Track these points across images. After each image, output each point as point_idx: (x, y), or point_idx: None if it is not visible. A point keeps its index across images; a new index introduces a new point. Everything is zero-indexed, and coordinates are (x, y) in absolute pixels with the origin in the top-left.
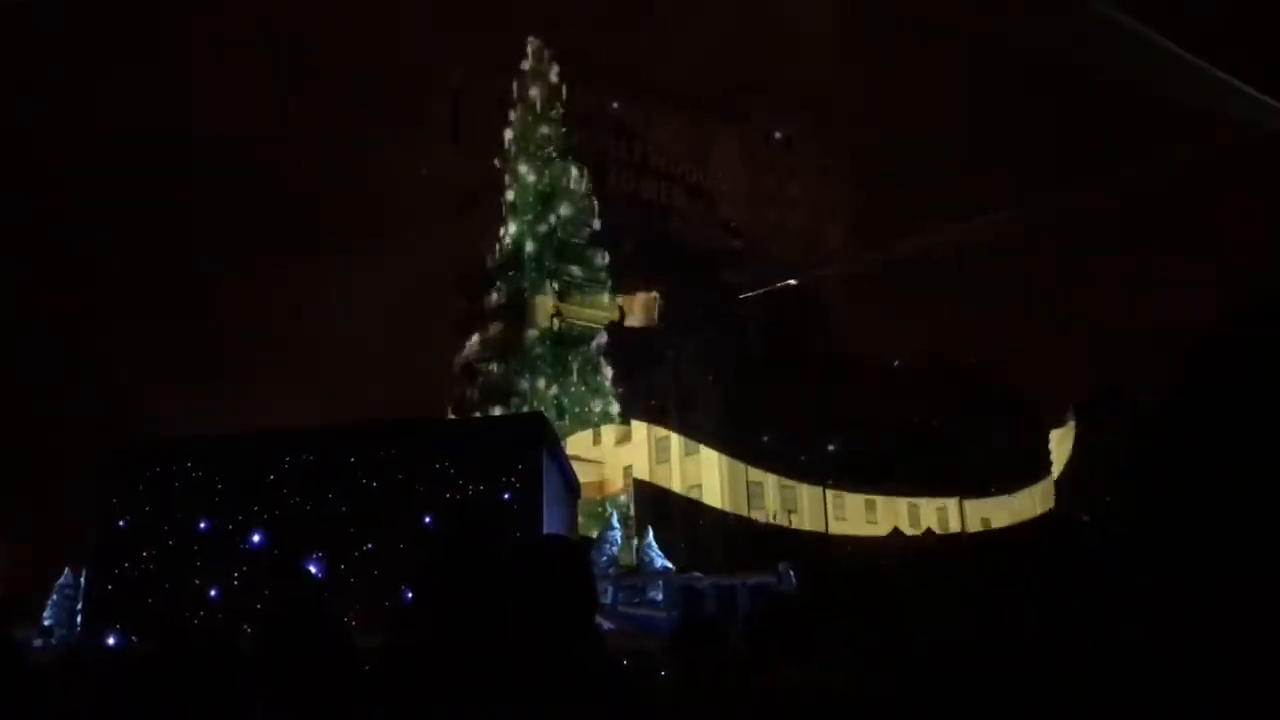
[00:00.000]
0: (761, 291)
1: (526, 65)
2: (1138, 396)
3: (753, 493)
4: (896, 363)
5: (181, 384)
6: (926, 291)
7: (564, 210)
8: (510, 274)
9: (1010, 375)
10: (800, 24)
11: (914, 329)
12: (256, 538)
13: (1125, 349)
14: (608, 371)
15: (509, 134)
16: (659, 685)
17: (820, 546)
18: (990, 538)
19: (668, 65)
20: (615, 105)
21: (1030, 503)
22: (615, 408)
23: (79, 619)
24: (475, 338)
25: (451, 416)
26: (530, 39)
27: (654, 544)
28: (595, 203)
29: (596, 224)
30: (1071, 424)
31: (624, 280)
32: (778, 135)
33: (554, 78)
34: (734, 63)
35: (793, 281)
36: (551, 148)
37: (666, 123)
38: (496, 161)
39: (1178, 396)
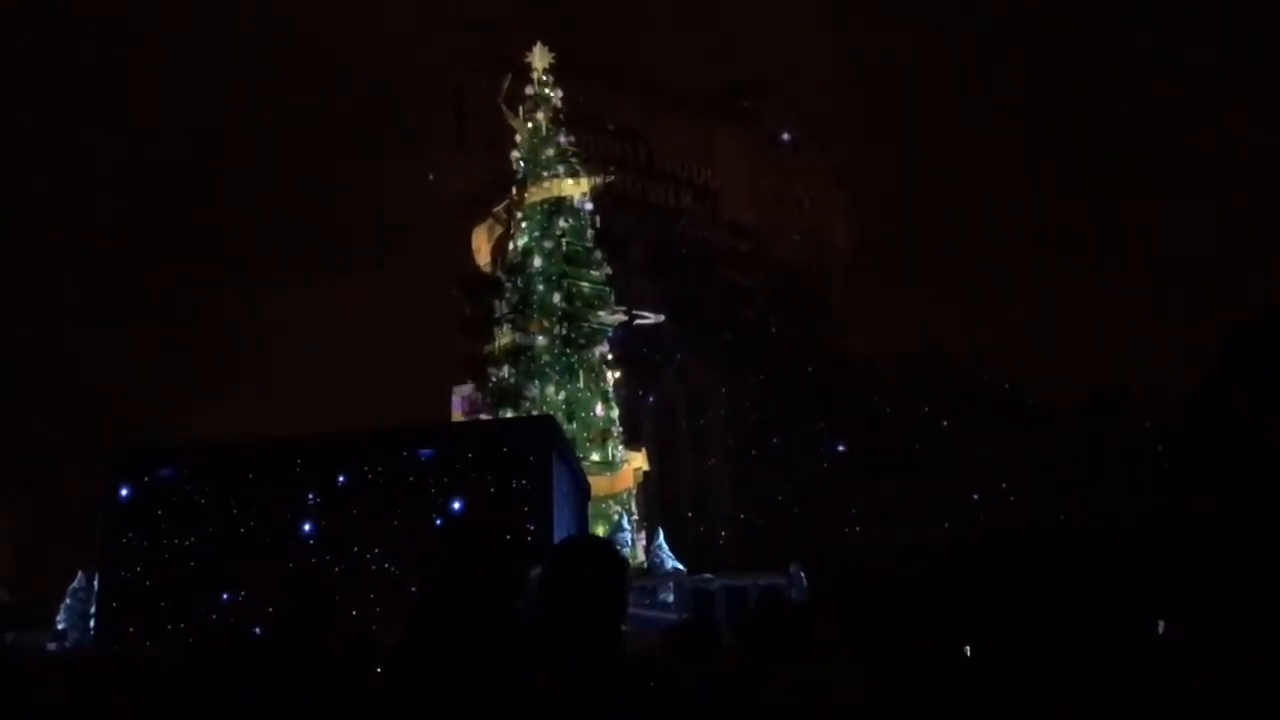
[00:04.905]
0: (769, 292)
1: (531, 90)
2: (1149, 394)
3: None
4: (903, 360)
5: (191, 390)
6: (936, 289)
7: (570, 221)
8: (518, 281)
9: (1017, 374)
10: (804, 22)
11: (924, 327)
12: (269, 540)
13: (1131, 346)
14: (610, 377)
15: (515, 154)
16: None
17: (833, 547)
18: (1005, 538)
19: (673, 66)
20: (621, 107)
21: (1038, 502)
22: (616, 412)
23: (92, 623)
24: (487, 343)
25: (462, 419)
26: (534, 57)
27: (665, 545)
28: (602, 209)
29: (602, 229)
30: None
31: (631, 283)
32: (785, 136)
33: (558, 101)
34: (740, 63)
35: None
36: (558, 167)
37: (672, 124)
38: (507, 182)
39: (1209, 390)
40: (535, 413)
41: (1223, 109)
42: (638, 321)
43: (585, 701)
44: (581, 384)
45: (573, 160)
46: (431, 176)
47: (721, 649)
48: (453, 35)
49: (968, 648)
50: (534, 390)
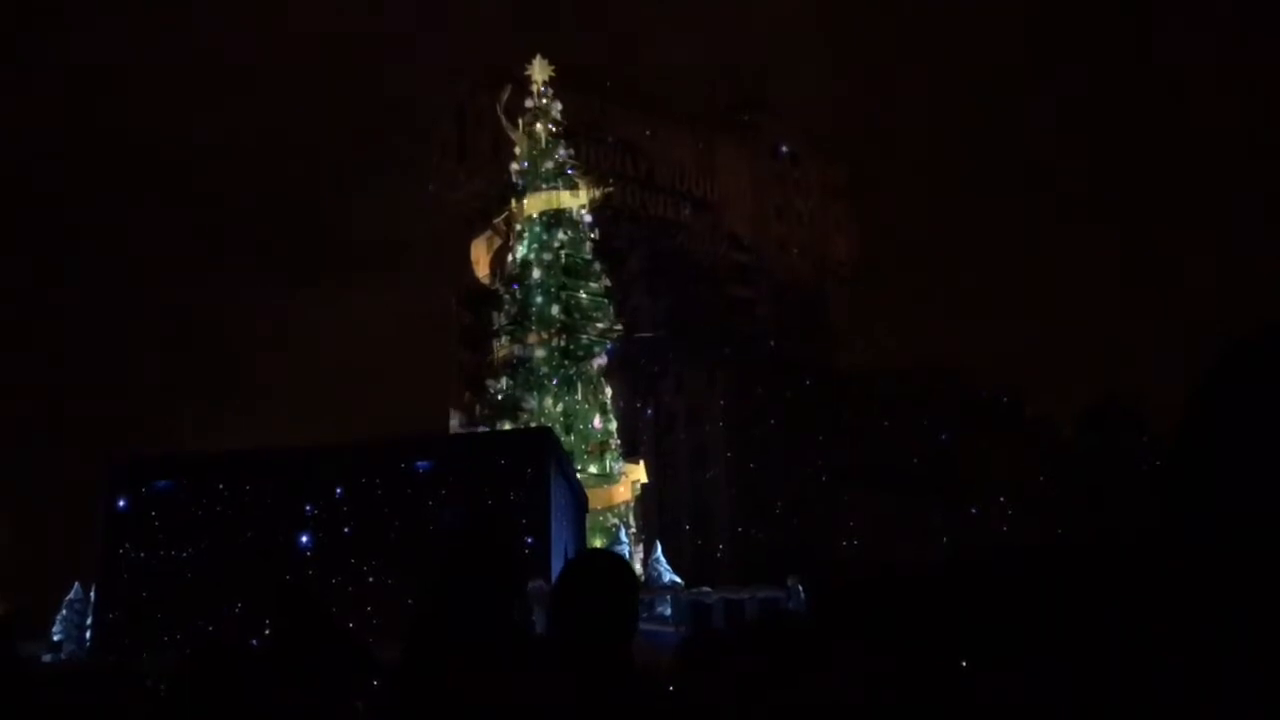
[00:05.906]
0: (769, 305)
1: (530, 103)
2: (1150, 408)
3: None
4: (902, 373)
5: (191, 400)
6: (936, 302)
7: (569, 233)
8: (517, 293)
9: (1016, 385)
10: (805, 35)
11: (923, 340)
12: (266, 551)
13: (1133, 356)
14: (608, 390)
15: (514, 167)
16: (667, 699)
17: (832, 560)
18: (1004, 553)
19: (673, 79)
20: (621, 120)
21: (1038, 516)
22: (614, 424)
23: (88, 634)
24: (485, 355)
25: (460, 431)
26: (534, 70)
27: (662, 558)
28: (601, 221)
29: (601, 241)
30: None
31: (630, 296)
32: (785, 149)
33: (557, 113)
34: (740, 76)
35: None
36: (557, 180)
37: (672, 137)
38: (505, 194)
39: (1205, 403)
40: (533, 424)
41: (1223, 120)
42: (636, 334)
43: (592, 715)
44: (579, 396)
45: (572, 172)
46: (432, 188)
47: (728, 663)
48: (454, 47)
49: (964, 662)
50: (532, 402)
